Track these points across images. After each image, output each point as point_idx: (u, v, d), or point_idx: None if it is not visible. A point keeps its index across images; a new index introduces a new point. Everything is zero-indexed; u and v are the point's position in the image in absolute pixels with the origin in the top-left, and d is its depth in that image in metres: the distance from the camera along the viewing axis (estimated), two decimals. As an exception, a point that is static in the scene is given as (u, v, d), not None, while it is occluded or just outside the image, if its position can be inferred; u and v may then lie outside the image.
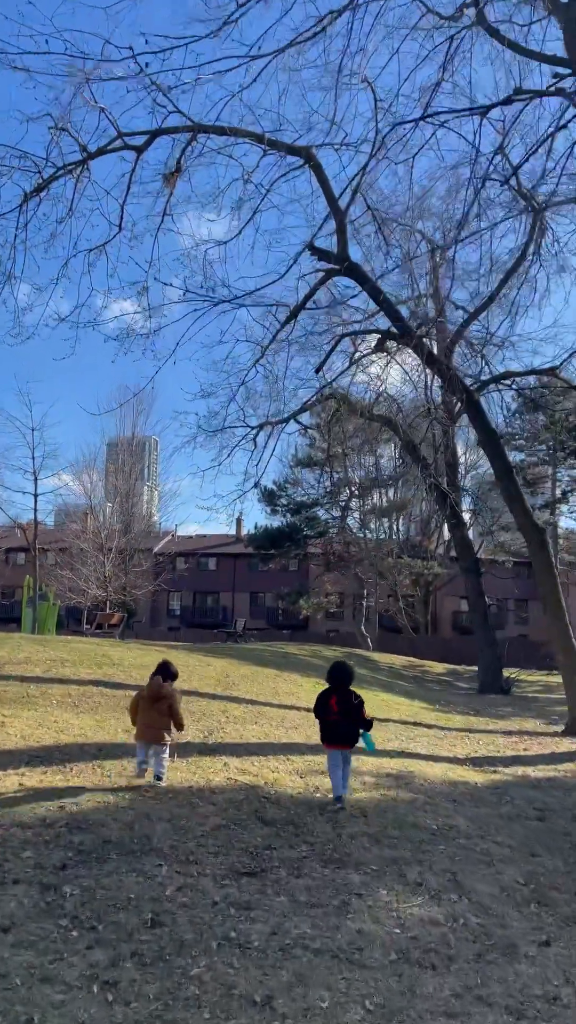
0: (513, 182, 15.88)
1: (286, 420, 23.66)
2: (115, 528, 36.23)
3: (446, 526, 48.15)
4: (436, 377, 14.98)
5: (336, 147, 14.88)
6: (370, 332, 15.69)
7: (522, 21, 14.27)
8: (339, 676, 6.43)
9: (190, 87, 13.03)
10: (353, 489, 41.61)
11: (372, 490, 42.93)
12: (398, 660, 30.15)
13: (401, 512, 43.72)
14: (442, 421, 24.46)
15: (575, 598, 41.28)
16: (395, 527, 46.55)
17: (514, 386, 16.33)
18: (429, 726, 11.85)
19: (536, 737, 12.13)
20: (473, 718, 14.20)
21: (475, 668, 33.37)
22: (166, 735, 6.27)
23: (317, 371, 16.21)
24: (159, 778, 6.16)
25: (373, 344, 16.13)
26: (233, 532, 60.58)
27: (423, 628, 49.22)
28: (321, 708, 6.39)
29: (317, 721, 6.53)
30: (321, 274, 15.36)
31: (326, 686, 6.59)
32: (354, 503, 43.42)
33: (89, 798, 5.55)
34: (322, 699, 6.43)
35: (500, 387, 17.11)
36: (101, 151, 14.27)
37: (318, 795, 6.28)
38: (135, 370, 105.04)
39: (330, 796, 6.23)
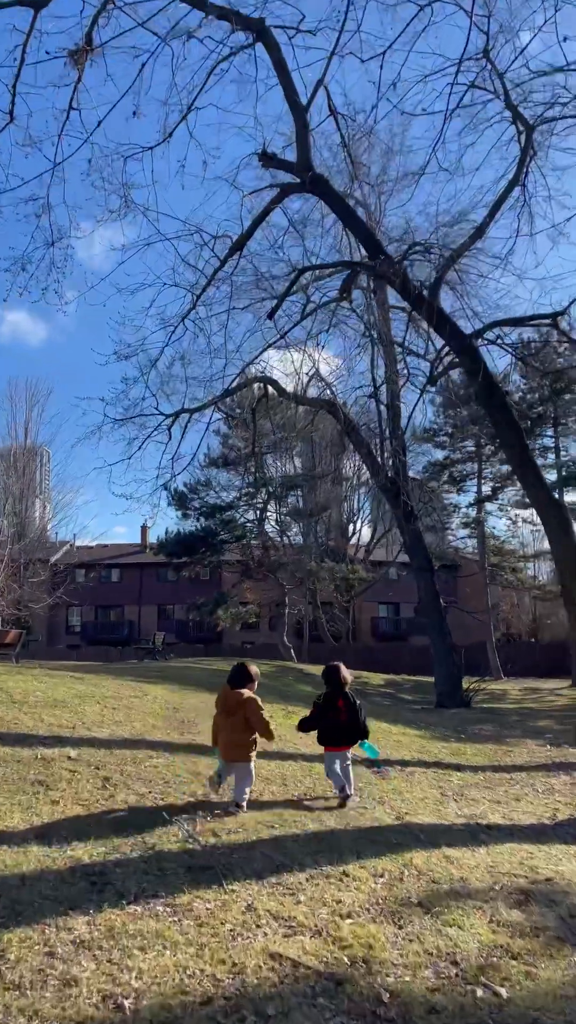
0: (501, 95, 13.26)
1: (206, 406, 20.58)
2: (6, 536, 31.58)
3: (380, 523, 45.90)
4: (415, 322, 11.97)
5: (292, 32, 11.75)
6: (338, 265, 12.52)
7: None
8: (338, 679, 6.23)
9: None
10: (273, 489, 38.41)
11: (292, 491, 39.92)
12: (334, 673, 27.07)
13: (325, 512, 40.87)
14: (387, 402, 21.74)
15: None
16: (316, 530, 43.65)
17: (499, 341, 13.52)
18: (458, 767, 8.70)
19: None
20: (483, 747, 11.18)
21: (415, 678, 30.98)
22: (249, 752, 5.58)
23: (270, 316, 12.90)
24: (238, 804, 5.33)
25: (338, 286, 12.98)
26: (138, 541, 56.31)
27: (345, 636, 46.54)
28: (328, 708, 6.11)
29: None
30: (275, 191, 12.13)
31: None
32: (271, 506, 40.30)
33: None
34: (329, 700, 6.16)
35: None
36: (-17, 2, 10.58)
37: (477, 989, 2.97)
38: (28, 360, 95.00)
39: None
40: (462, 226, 14.24)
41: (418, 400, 15.57)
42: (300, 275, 12.47)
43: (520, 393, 38.62)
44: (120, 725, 7.56)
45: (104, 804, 5.09)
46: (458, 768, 8.66)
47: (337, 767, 5.99)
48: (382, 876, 4.22)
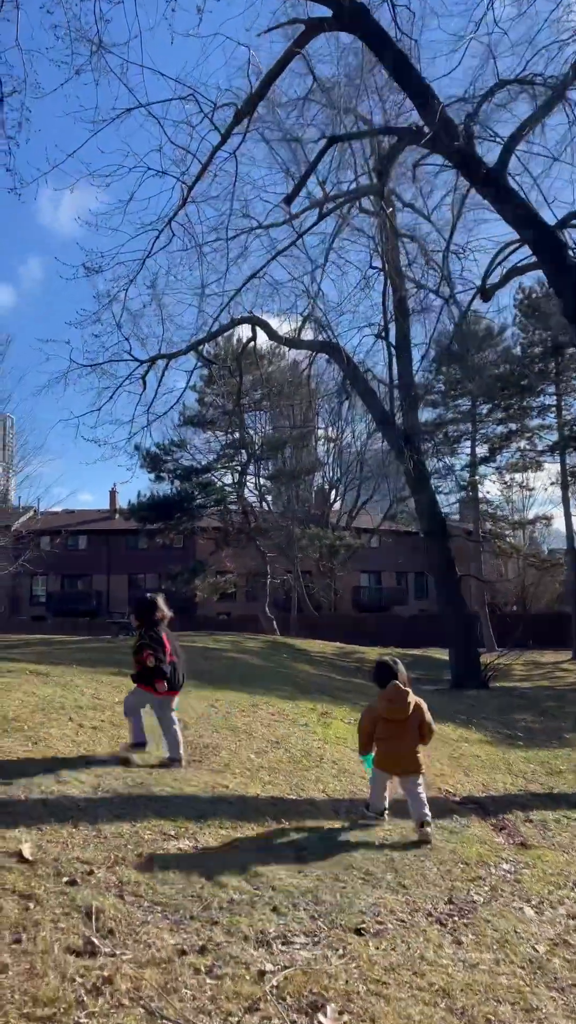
0: None
1: (189, 349, 17.95)
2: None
3: (363, 487, 43.30)
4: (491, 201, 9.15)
5: None
6: (381, 132, 9.64)
7: None
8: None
9: None
10: (254, 450, 35.48)
11: (276, 451, 36.98)
12: (327, 647, 24.65)
13: (310, 474, 38.15)
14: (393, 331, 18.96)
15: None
16: (297, 495, 40.86)
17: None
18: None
19: None
20: (570, 755, 8.65)
21: (409, 651, 28.64)
22: (421, 761, 4.83)
23: (288, 201, 9.99)
24: (428, 824, 4.60)
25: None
26: (106, 507, 53.02)
27: (328, 607, 44.13)
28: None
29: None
30: (300, 28, 9.17)
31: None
32: (251, 468, 37.42)
33: None
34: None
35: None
36: None
37: None
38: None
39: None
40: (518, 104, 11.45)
41: (461, 320, 12.66)
42: (330, 145, 9.56)
43: (519, 347, 36.14)
44: (107, 762, 4.81)
45: (81, 1012, 2.34)
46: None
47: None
48: None
